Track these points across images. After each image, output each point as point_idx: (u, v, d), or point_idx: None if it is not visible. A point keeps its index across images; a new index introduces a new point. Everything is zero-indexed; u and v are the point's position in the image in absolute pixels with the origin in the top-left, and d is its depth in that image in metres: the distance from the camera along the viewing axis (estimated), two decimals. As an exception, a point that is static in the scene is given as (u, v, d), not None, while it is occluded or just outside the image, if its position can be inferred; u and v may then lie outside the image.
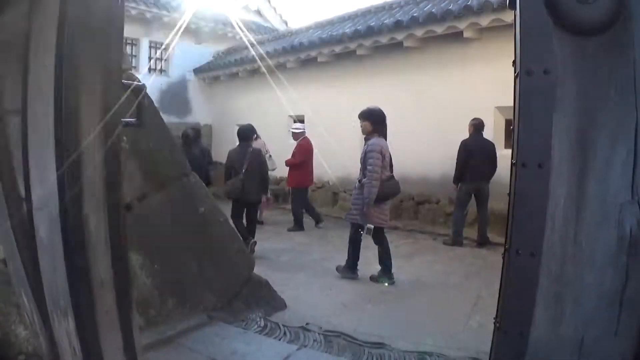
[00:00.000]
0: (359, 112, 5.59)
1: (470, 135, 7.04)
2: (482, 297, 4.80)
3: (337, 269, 5.61)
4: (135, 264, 3.50)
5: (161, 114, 11.82)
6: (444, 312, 4.43)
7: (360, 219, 5.21)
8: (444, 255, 6.52)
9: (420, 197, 8.50)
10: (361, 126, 5.37)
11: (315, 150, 10.32)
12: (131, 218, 3.56)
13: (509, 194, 1.40)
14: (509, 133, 7.62)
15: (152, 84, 12.36)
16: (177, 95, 12.96)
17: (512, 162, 1.35)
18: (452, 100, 7.86)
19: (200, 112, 13.48)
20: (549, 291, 1.23)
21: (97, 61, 1.91)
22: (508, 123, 7.54)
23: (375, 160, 5.03)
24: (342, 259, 5.69)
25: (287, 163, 8.40)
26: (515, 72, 1.45)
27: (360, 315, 4.42)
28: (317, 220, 8.53)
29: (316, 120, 10.49)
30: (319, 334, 3.80)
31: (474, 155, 6.92)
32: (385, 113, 5.41)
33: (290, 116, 11.16)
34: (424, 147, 8.31)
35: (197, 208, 4.05)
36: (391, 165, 5.40)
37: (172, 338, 3.47)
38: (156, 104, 12.24)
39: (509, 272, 1.26)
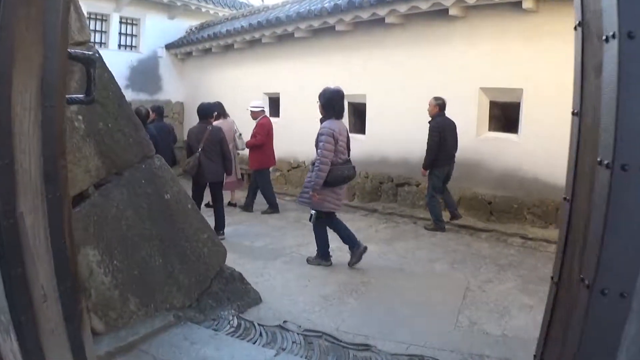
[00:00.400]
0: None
1: (434, 116, 6.68)
2: (470, 289, 4.51)
3: (308, 260, 5.31)
4: (92, 261, 3.08)
5: (131, 91, 11.31)
6: (431, 307, 4.12)
7: (310, 204, 4.99)
8: (426, 241, 6.23)
9: (400, 180, 8.17)
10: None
11: (290, 129, 9.90)
12: (87, 208, 3.13)
13: (566, 206, 1.03)
14: (493, 115, 7.34)
15: (123, 61, 11.66)
16: (148, 71, 12.26)
17: (596, 162, 0.96)
18: (435, 80, 7.50)
19: (171, 89, 12.83)
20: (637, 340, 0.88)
21: (35, 26, 1.52)
22: (492, 105, 7.24)
23: (325, 144, 4.74)
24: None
25: (249, 145, 7.92)
26: (581, 37, 1.05)
27: (342, 310, 4.08)
28: (271, 206, 8.09)
29: (292, 98, 10.04)
30: (298, 334, 3.46)
31: (446, 137, 6.61)
32: (341, 93, 5.10)
33: (266, 93, 10.68)
34: (405, 128, 7.96)
35: (162, 194, 3.63)
36: (348, 149, 5.14)
37: (135, 344, 3.07)
38: (126, 81, 11.76)
39: (586, 314, 0.90)
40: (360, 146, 8.77)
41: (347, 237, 5.20)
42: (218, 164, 6.36)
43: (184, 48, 12.36)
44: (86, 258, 3.06)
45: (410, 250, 5.79)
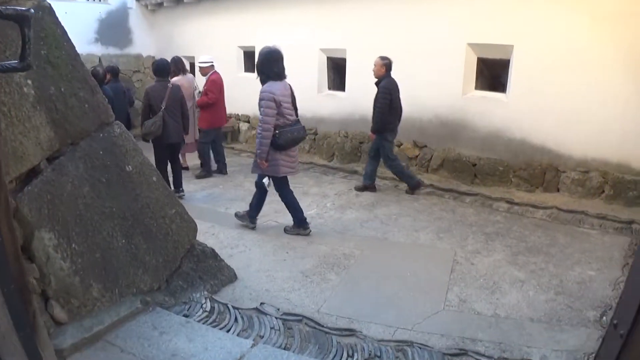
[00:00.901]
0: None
1: (382, 76, 6.23)
2: (458, 262, 4.30)
3: (285, 230, 5.04)
4: (48, 245, 2.72)
5: (100, 45, 10.57)
6: (418, 283, 3.89)
7: (259, 169, 4.75)
8: (409, 206, 5.98)
9: (381, 140, 7.88)
10: None
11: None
12: (39, 186, 2.74)
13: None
14: (480, 72, 7.01)
15: (91, 13, 10.90)
16: (117, 24, 11.47)
17: None
18: (420, 35, 7.10)
19: (142, 43, 12.06)
20: None
21: None
22: (480, 62, 6.89)
23: (265, 109, 4.48)
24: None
25: (200, 103, 7.40)
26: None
27: (323, 288, 3.82)
28: (221, 169, 7.75)
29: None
30: (276, 318, 3.20)
31: (394, 99, 6.26)
32: (279, 52, 4.68)
33: (241, 47, 10.11)
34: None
35: (123, 166, 3.24)
36: (295, 109, 4.85)
37: (100, 334, 2.76)
38: (95, 35, 11.02)
39: None
40: (339, 104, 8.39)
41: (293, 209, 5.00)
42: (180, 123, 6.10)
43: (155, -2, 11.58)
44: (42, 242, 2.70)
45: (393, 217, 5.54)
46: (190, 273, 3.49)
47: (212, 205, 6.03)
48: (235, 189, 6.85)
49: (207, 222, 5.07)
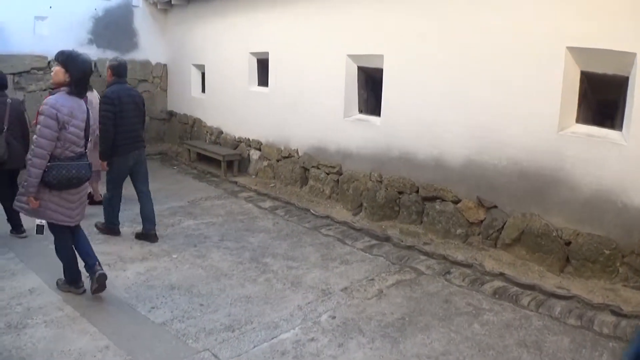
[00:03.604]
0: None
1: (110, 83, 4.88)
2: None
3: (57, 283, 3.89)
4: None
5: (96, 47, 8.51)
6: None
7: (30, 211, 3.60)
8: (463, 331, 3.50)
9: (429, 190, 5.39)
10: None
11: (282, 102, 7.18)
12: None
13: None
14: (583, 95, 4.44)
15: (82, 10, 9.02)
16: (118, 24, 9.53)
17: None
18: (494, 37, 4.66)
19: (151, 48, 10.07)
20: None
21: None
22: (584, 78, 4.34)
23: (43, 128, 3.41)
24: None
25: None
26: None
27: None
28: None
29: (283, 59, 7.26)
30: None
31: (127, 113, 4.80)
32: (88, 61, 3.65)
33: (252, 53, 7.91)
34: (438, 107, 5.18)
35: None
36: (86, 137, 3.74)
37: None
38: (89, 35, 8.95)
39: None
40: (372, 133, 5.99)
41: (87, 255, 3.79)
42: (21, 144, 4.96)
43: (165, -6, 9.60)
44: None
45: None
46: None
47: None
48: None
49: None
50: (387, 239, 5.13)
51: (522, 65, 4.44)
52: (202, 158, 8.71)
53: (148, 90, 10.21)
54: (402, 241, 5.02)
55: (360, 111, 6.36)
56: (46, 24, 8.54)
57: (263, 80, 7.80)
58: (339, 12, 6.19)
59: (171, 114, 10.46)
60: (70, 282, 3.81)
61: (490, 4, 4.67)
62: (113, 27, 9.53)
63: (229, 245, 4.96)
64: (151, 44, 10.13)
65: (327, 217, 5.83)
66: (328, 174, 6.52)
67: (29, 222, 4.35)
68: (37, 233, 3.68)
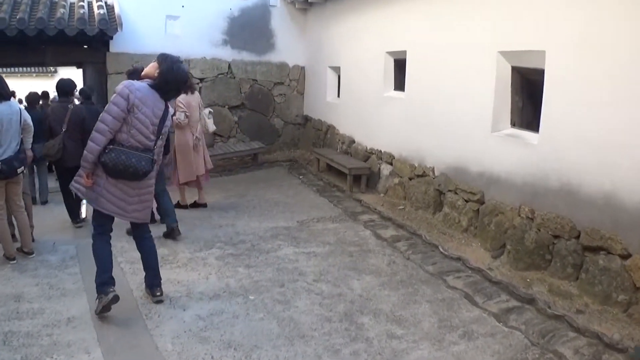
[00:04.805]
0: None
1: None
2: None
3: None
4: None
5: (230, 49, 8.41)
6: None
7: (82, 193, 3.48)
8: None
9: (593, 238, 3.80)
10: None
11: (418, 111, 6.03)
12: None
13: None
14: None
15: (217, 9, 8.78)
16: (254, 25, 9.14)
17: None
18: None
19: (288, 49, 9.54)
20: None
21: None
22: None
23: (110, 105, 3.29)
24: None
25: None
26: None
27: None
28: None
29: (424, 60, 6.09)
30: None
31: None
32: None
33: (389, 53, 6.85)
34: (622, 123, 3.63)
35: None
36: (159, 134, 3.47)
37: None
38: (223, 36, 7.82)
39: None
40: (526, 155, 4.57)
41: (151, 270, 3.69)
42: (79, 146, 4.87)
43: (306, -7, 8.95)
44: None
45: None
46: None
47: None
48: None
49: None
50: (531, 300, 3.73)
51: None
52: (332, 168, 7.87)
53: (284, 93, 9.70)
54: (549, 307, 3.59)
55: (513, 124, 4.95)
56: (178, 23, 8.41)
57: (399, 84, 6.70)
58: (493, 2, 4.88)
59: (306, 119, 9.84)
60: (99, 284, 3.44)
61: None
62: (249, 28, 9.17)
63: (323, 289, 3.99)
64: (288, 46, 9.59)
65: (459, 258, 4.55)
66: (467, 201, 5.23)
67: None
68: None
